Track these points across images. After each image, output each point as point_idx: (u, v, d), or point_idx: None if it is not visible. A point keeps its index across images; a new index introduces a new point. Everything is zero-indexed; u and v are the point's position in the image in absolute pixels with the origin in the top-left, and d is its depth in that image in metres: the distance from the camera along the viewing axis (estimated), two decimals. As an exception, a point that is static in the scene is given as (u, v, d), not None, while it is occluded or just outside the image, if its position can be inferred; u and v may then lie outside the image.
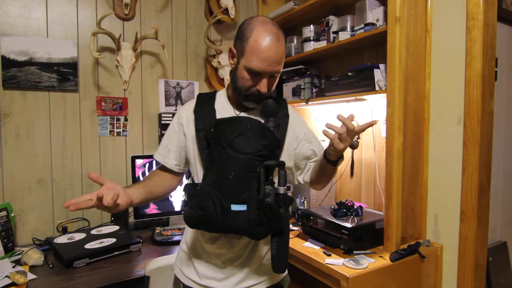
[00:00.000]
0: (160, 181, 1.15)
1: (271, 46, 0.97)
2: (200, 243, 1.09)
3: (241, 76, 1.01)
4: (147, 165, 1.91)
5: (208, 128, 0.99)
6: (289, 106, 1.18)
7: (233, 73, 1.06)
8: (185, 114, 1.11)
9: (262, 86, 1.00)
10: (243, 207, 0.90)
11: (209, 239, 1.06)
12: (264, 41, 0.97)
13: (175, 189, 1.20)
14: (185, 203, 1.09)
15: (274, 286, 1.11)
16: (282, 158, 1.07)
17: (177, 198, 1.95)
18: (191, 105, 1.12)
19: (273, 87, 1.06)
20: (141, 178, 1.89)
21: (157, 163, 1.17)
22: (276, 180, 1.02)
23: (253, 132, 0.94)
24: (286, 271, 1.17)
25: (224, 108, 1.10)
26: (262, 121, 1.04)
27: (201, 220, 0.92)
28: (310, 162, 1.19)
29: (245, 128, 0.94)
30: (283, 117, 1.11)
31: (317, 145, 1.21)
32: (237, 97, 1.07)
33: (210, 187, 0.92)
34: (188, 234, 1.13)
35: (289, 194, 1.18)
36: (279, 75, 1.06)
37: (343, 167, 2.06)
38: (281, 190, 0.93)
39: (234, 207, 0.90)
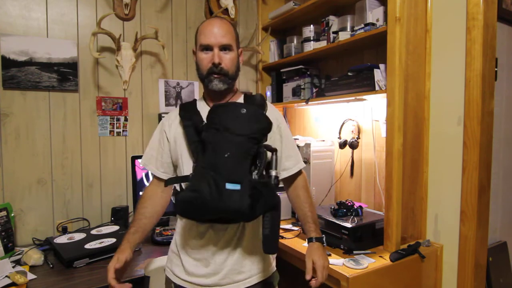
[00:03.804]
0: (153, 203, 1.18)
1: (212, 22, 1.12)
2: (188, 241, 1.11)
3: (199, 60, 1.13)
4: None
5: (197, 121, 1.06)
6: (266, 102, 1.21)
7: (196, 65, 1.16)
8: (167, 121, 1.19)
9: (215, 57, 1.09)
10: (237, 186, 0.93)
11: (197, 234, 1.09)
12: (206, 22, 1.14)
13: (168, 200, 1.22)
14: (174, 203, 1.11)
15: (263, 282, 1.12)
16: None
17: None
18: (174, 112, 1.20)
19: (232, 64, 1.13)
20: (144, 180, 1.89)
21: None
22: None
23: (248, 116, 1.00)
24: (274, 269, 1.19)
25: (202, 109, 1.15)
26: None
27: (194, 203, 0.93)
28: (282, 171, 1.18)
29: (240, 112, 1.00)
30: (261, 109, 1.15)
31: (290, 160, 1.18)
32: (205, 86, 1.14)
33: (205, 169, 0.96)
34: (177, 234, 1.17)
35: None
36: (236, 53, 1.14)
37: (343, 167, 2.06)
38: (274, 172, 1.03)
39: (229, 186, 0.92)
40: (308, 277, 1.05)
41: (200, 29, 1.14)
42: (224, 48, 1.11)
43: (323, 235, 1.16)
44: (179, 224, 1.16)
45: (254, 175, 0.98)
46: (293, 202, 1.23)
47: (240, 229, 1.09)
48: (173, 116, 1.18)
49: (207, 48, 1.11)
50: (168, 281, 1.17)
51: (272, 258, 1.19)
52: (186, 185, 1.08)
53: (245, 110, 1.00)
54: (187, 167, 1.10)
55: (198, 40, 1.14)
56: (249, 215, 0.96)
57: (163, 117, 2.05)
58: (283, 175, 1.17)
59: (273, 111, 1.18)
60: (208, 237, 1.07)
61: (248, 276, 1.09)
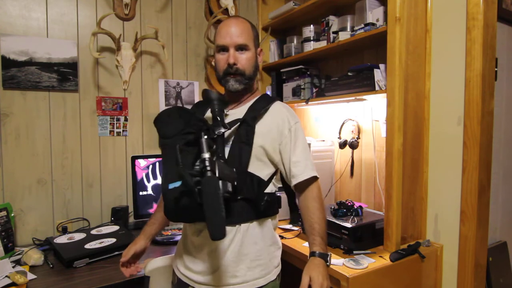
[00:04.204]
0: None
1: (230, 23, 1.13)
2: (188, 236, 1.13)
3: (217, 61, 1.15)
4: (150, 167, 1.91)
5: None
6: (279, 103, 1.18)
7: (214, 66, 1.18)
8: None
9: (230, 58, 1.10)
10: (177, 184, 0.94)
11: (194, 231, 1.10)
12: (223, 22, 1.15)
13: None
14: None
15: None
16: (256, 140, 1.08)
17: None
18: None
19: (249, 64, 1.13)
20: (144, 180, 1.89)
21: None
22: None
23: (172, 117, 1.04)
24: (274, 277, 1.12)
25: None
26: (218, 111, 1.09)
27: (165, 208, 1.00)
28: (291, 178, 1.13)
29: (166, 116, 1.04)
30: (260, 109, 1.13)
31: (299, 166, 1.12)
32: (223, 86, 1.15)
33: (163, 177, 1.01)
34: (183, 230, 1.19)
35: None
36: (253, 52, 1.14)
37: (343, 167, 2.06)
38: (205, 155, 0.93)
39: (171, 186, 0.95)
40: None
41: (218, 29, 1.14)
42: (240, 48, 1.11)
43: (329, 253, 1.06)
44: None
45: (198, 163, 0.94)
46: (301, 213, 1.15)
47: (235, 233, 1.06)
48: None
49: (223, 48, 1.11)
50: (174, 274, 1.20)
51: (273, 267, 1.13)
52: None
53: (168, 113, 1.04)
54: None
55: (215, 41, 1.14)
56: (183, 209, 0.96)
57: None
58: (292, 182, 1.13)
59: (282, 112, 1.14)
60: (204, 235, 1.07)
61: (242, 281, 1.06)
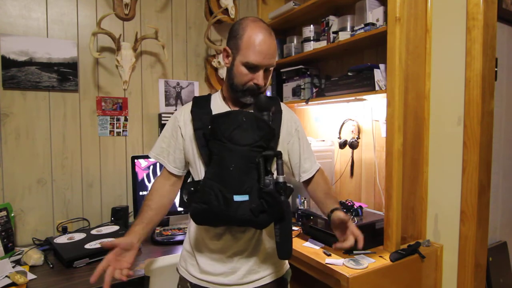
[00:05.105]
0: (161, 195, 1.17)
1: (265, 40, 1.02)
2: (204, 241, 1.10)
3: (239, 72, 1.05)
4: (151, 167, 1.91)
5: (206, 126, 1.02)
6: (282, 104, 1.19)
7: (229, 71, 1.09)
8: (182, 117, 1.13)
9: (260, 79, 1.04)
10: (245, 198, 0.93)
11: (214, 236, 1.08)
12: (258, 36, 1.02)
13: (176, 194, 1.21)
14: (186, 202, 1.11)
15: (278, 280, 1.14)
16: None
17: (177, 198, 1.95)
18: (187, 107, 1.13)
19: (268, 82, 1.10)
20: (145, 180, 1.89)
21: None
22: (274, 170, 1.05)
23: (249, 124, 0.98)
24: (288, 266, 1.21)
25: (219, 108, 1.11)
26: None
27: (206, 213, 0.95)
28: (302, 173, 1.20)
29: (241, 120, 0.98)
30: (277, 112, 1.13)
31: (308, 161, 1.20)
32: (235, 94, 1.09)
33: (212, 181, 0.96)
34: (192, 233, 1.15)
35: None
36: (272, 70, 1.11)
37: (343, 167, 2.06)
38: (280, 178, 0.97)
39: (237, 198, 0.93)
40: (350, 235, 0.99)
41: (247, 39, 1.02)
42: (268, 68, 1.06)
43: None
44: (194, 224, 1.13)
45: (268, 181, 0.96)
46: (312, 191, 1.21)
47: (258, 231, 1.09)
48: (187, 112, 1.12)
49: (254, 67, 1.03)
50: (183, 280, 1.16)
51: None
52: (197, 194, 1.03)
53: (244, 118, 0.98)
54: (201, 171, 1.08)
55: (243, 52, 1.02)
56: (259, 225, 0.97)
57: (163, 117, 2.07)
58: (304, 177, 1.19)
59: (289, 113, 1.18)
60: (226, 238, 1.07)
61: (266, 275, 1.11)
